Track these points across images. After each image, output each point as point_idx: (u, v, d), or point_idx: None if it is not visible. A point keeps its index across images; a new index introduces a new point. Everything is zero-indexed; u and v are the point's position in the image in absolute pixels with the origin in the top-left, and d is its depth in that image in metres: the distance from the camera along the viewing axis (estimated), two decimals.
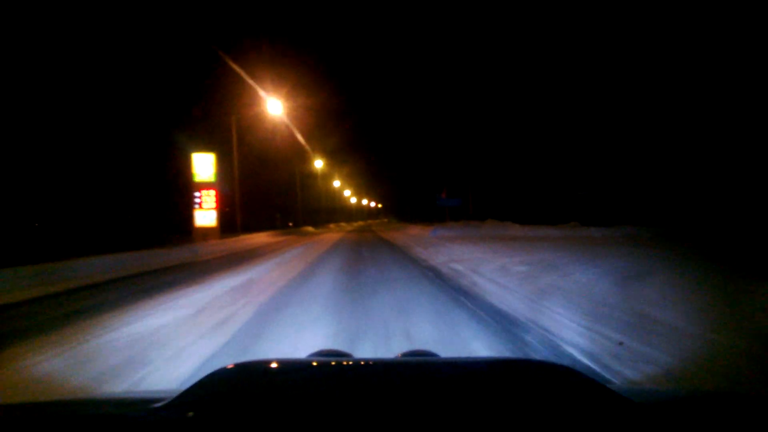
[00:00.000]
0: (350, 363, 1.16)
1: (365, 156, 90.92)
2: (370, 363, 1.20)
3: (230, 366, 1.05)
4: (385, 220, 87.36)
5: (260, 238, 25.86)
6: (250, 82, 25.67)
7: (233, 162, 26.61)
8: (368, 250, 13.32)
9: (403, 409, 0.81)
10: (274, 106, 25.52)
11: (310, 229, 41.45)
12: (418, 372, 1.09)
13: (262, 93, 25.40)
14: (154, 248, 14.79)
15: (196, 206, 26.34)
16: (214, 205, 26.18)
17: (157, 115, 30.76)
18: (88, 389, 2.82)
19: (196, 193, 26.43)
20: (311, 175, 53.08)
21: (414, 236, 19.67)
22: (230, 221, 43.91)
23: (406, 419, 0.76)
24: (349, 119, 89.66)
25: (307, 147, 40.58)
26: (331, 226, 54.60)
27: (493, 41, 32.16)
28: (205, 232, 25.94)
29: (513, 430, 0.74)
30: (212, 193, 26.40)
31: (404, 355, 1.50)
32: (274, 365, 1.12)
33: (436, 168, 35.97)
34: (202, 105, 30.33)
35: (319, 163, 45.51)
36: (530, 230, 17.37)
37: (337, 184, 64.48)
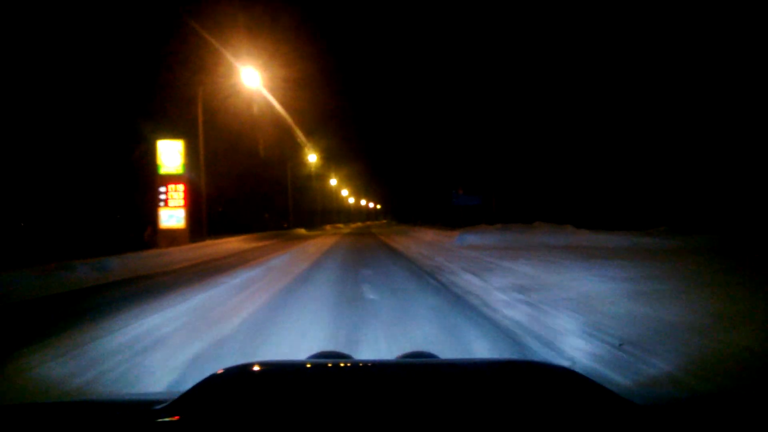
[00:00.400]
0: (350, 365, 1.11)
1: (363, 153, 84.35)
2: (369, 365, 1.12)
3: (231, 368, 0.99)
4: (384, 221, 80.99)
5: (230, 244, 19.61)
6: (223, 51, 19.50)
7: (199, 146, 20.39)
8: (374, 279, 6.89)
9: (403, 411, 0.77)
10: (251, 77, 19.31)
11: (301, 231, 35.16)
12: (417, 373, 1.04)
13: (235, 62, 19.17)
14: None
15: (161, 204, 20.40)
16: (182, 202, 20.32)
17: (117, 95, 24.46)
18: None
19: (161, 188, 20.57)
20: (306, 174, 47.05)
21: (432, 244, 13.58)
22: (215, 221, 37.61)
23: (406, 421, 0.73)
24: (347, 116, 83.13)
25: (300, 136, 34.39)
26: (327, 227, 48.33)
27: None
28: (172, 235, 19.98)
29: None
30: (180, 188, 20.51)
31: (404, 356, 1.42)
32: (274, 367, 1.09)
33: (448, 162, 29.26)
34: (170, 81, 23.88)
35: (312, 157, 39.28)
36: (609, 238, 11.20)
37: (333, 182, 58.31)
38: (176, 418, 0.77)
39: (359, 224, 67.77)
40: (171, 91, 23.59)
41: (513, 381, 0.95)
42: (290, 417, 0.75)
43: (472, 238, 13.25)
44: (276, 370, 1.07)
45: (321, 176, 54.85)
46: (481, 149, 23.79)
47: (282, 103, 31.92)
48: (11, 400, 2.51)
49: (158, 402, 0.83)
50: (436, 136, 31.44)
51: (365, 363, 1.12)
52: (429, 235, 19.71)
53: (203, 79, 20.36)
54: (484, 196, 21.04)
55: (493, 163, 22.65)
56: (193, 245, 17.24)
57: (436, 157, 31.65)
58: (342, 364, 1.10)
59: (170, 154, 21.07)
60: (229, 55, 19.39)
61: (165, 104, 24.28)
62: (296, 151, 39.37)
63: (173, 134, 21.65)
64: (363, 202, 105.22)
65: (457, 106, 26.80)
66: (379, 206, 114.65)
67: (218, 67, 20.39)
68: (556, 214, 17.12)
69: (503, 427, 0.71)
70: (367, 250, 13.02)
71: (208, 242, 18.83)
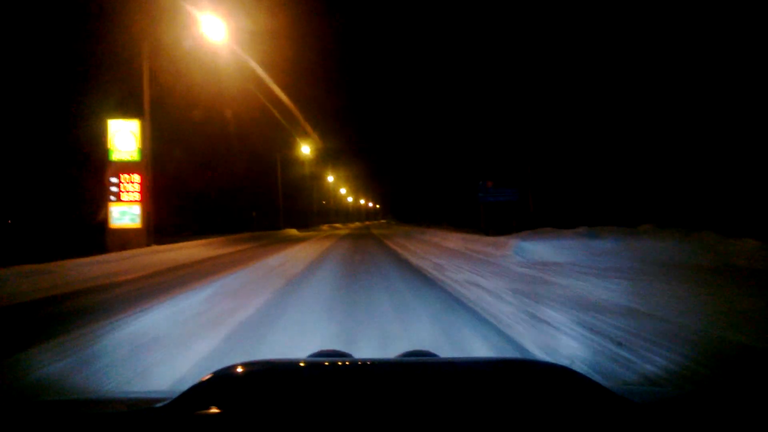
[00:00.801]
0: (350, 363, 1.05)
1: (363, 150, 78.48)
2: (368, 363, 1.05)
3: (230, 366, 0.94)
4: (384, 221, 75.25)
5: (183, 251, 14.01)
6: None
7: (145, 115, 14.78)
8: None
9: (403, 410, 0.73)
10: (214, 28, 13.64)
11: (292, 232, 29.48)
12: (417, 372, 0.99)
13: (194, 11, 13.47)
14: None
15: (112, 198, 15.25)
16: (138, 196, 15.12)
17: (57, 62, 18.75)
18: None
19: (113, 179, 15.26)
20: (301, 171, 41.55)
21: (469, 257, 8.10)
22: (194, 220, 31.94)
23: (405, 419, 0.70)
24: (346, 111, 77.10)
25: (296, 114, 28.79)
26: (324, 227, 42.68)
27: None
28: (125, 236, 14.65)
29: (512, 431, 0.69)
30: (136, 178, 15.33)
31: (404, 355, 1.31)
32: (275, 365, 1.06)
33: (471, 148, 23.15)
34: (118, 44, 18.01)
35: (306, 149, 33.59)
36: None
37: (330, 179, 52.69)
38: (176, 416, 0.73)
39: (358, 224, 62.08)
40: (124, 59, 17.84)
41: (512, 379, 0.91)
42: (290, 416, 0.72)
43: (541, 249, 7.74)
44: (276, 369, 1.02)
45: (318, 174, 49.32)
46: (509, 137, 17.76)
47: (272, 95, 26.46)
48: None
49: (159, 400, 0.79)
50: (451, 116, 25.07)
51: (364, 362, 1.03)
52: (451, 240, 14.16)
53: (151, 30, 14.66)
54: (521, 190, 15.46)
55: (534, 146, 16.68)
56: (125, 253, 11.71)
57: (452, 144, 25.40)
58: (342, 363, 1.03)
59: (124, 137, 15.97)
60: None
61: (118, 75, 18.55)
62: (288, 141, 33.76)
63: (129, 112, 16.39)
64: (362, 202, 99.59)
65: (484, 70, 20.34)
66: (378, 206, 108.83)
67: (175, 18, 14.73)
68: (636, 213, 11.58)
69: (502, 426, 0.69)
70: (373, 270, 7.45)
71: (153, 249, 13.27)
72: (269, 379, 0.93)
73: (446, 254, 9.77)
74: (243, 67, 23.99)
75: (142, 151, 15.49)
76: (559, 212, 15.83)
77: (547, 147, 16.42)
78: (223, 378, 0.88)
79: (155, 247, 13.41)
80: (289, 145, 33.74)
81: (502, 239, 9.58)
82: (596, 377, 1.49)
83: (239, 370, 0.93)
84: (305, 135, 33.90)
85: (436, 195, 30.43)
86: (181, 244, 14.94)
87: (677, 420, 0.76)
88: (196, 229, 29.59)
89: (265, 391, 0.85)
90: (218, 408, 0.73)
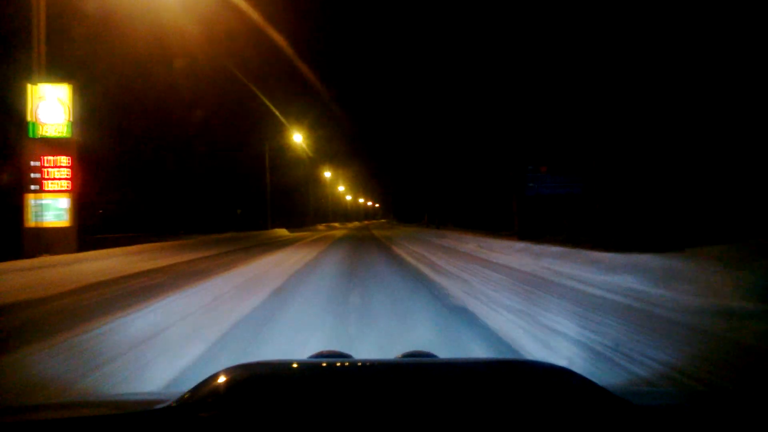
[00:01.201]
0: (350, 364, 0.99)
1: (363, 148, 73.51)
2: (368, 364, 0.99)
3: (231, 367, 0.88)
4: (384, 221, 70.35)
5: (99, 262, 8.75)
6: None
7: (37, 62, 9.84)
8: None
9: (403, 411, 0.71)
10: None
11: (281, 233, 24.50)
12: (417, 373, 0.94)
13: None
14: None
15: (33, 187, 10.64)
16: (67, 184, 10.70)
17: None
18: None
19: (34, 163, 10.72)
20: (296, 166, 36.78)
21: (675, 327, 3.32)
22: (175, 219, 26.89)
23: (405, 421, 0.68)
24: (345, 105, 72.01)
25: (308, 69, 23.87)
26: (320, 227, 37.83)
27: None
28: (48, 237, 10.26)
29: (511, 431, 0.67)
30: (64, 160, 10.81)
31: (403, 356, 1.22)
32: (275, 366, 1.00)
33: (480, 132, 17.84)
34: None
35: (298, 137, 28.58)
36: None
37: (328, 175, 47.76)
38: (176, 418, 0.71)
39: (357, 224, 57.26)
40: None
41: (511, 380, 0.87)
42: (292, 417, 0.70)
43: None
44: (276, 370, 0.96)
45: (316, 171, 44.44)
46: (566, 104, 12.48)
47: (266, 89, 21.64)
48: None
49: (159, 402, 0.76)
50: (462, 92, 19.68)
51: (364, 362, 0.98)
52: (497, 250, 9.23)
53: None
54: (584, 178, 10.48)
55: (600, 116, 11.19)
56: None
57: (461, 130, 20.10)
58: (342, 364, 0.98)
59: (49, 107, 11.10)
60: None
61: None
62: (282, 132, 28.82)
63: (56, 75, 11.91)
64: (361, 201, 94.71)
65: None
66: (377, 205, 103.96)
67: None
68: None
69: (501, 427, 0.68)
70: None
71: (47, 261, 8.24)
72: (269, 380, 0.88)
73: (546, 294, 4.83)
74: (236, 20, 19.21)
75: (74, 125, 10.87)
76: (633, 213, 10.80)
77: (616, 118, 11.30)
78: (223, 380, 0.82)
79: (47, 259, 8.38)
80: (283, 137, 28.88)
81: (656, 261, 4.63)
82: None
83: (239, 371, 0.88)
84: (325, 110, 28.99)
85: (440, 193, 25.56)
86: (105, 251, 9.97)
87: (676, 422, 0.75)
88: (185, 229, 24.99)
89: (265, 392, 0.81)
90: (218, 410, 0.71)
